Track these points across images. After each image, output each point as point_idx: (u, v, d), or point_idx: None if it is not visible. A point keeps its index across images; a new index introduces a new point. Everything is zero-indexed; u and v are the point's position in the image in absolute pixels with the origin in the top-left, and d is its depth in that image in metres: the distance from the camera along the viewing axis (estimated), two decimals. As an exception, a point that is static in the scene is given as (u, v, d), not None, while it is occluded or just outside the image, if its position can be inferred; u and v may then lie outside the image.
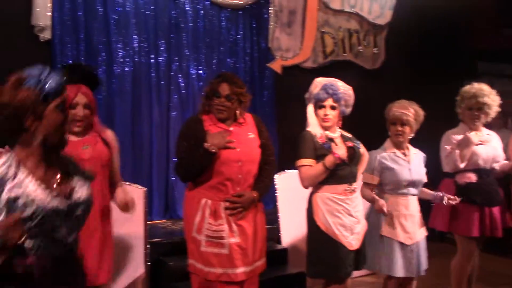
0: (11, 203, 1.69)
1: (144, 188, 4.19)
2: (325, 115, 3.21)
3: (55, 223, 1.77)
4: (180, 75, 5.36)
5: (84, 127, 2.89)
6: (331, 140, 3.23)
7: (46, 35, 4.69)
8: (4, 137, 1.75)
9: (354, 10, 6.42)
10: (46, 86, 1.73)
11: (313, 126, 3.25)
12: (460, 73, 6.32)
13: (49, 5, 4.67)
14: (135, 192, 4.13)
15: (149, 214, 4.47)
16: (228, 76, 3.07)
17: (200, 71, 5.47)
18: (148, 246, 4.13)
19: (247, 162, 2.98)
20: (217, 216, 2.93)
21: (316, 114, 3.26)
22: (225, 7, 5.64)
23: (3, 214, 1.69)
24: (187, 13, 5.41)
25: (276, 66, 5.95)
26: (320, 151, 3.18)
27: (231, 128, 3.02)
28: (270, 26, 5.92)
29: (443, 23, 6.47)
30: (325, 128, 3.23)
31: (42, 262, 1.76)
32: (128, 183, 4.20)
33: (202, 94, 3.15)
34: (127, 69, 5.07)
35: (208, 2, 5.52)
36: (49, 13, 4.68)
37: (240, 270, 2.93)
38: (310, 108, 3.30)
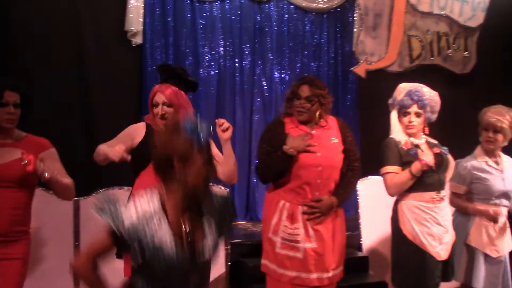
0: (149, 246, 1.73)
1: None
2: (410, 122, 3.13)
3: (180, 277, 1.82)
4: (264, 79, 5.42)
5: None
6: (416, 146, 3.14)
7: (137, 40, 4.92)
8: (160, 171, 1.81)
9: (444, 12, 6.17)
10: (200, 139, 1.78)
11: (397, 133, 3.17)
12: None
13: (141, 11, 4.89)
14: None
15: (230, 215, 4.52)
16: (309, 79, 3.03)
17: (283, 75, 5.49)
18: (229, 247, 4.21)
19: (327, 167, 2.91)
20: (294, 220, 2.89)
21: (400, 121, 3.17)
22: (310, 11, 5.62)
23: None
24: (272, 17, 5.46)
25: (360, 70, 5.84)
26: (406, 158, 3.09)
27: (313, 132, 2.95)
28: (355, 30, 5.82)
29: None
30: (410, 135, 3.14)
31: None
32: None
33: (284, 96, 3.13)
34: (212, 72, 5.21)
35: (293, 6, 5.54)
36: (141, 19, 4.89)
37: (314, 275, 2.87)
38: (394, 115, 3.23)
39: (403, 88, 3.20)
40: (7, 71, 4.27)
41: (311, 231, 2.88)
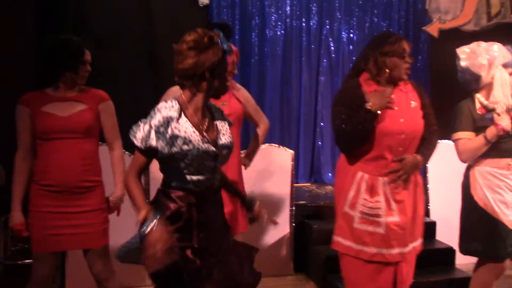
0: (174, 139, 2.04)
1: (292, 151, 4.27)
2: None
3: (205, 162, 2.11)
4: (331, 39, 5.31)
5: None
6: (492, 110, 2.99)
7: (205, 0, 4.92)
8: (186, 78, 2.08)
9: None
10: (225, 46, 2.09)
11: (499, 96, 3.01)
12: None
13: (208, -29, 4.89)
14: (283, 154, 4.25)
15: (295, 176, 4.55)
16: (399, 35, 2.79)
17: (351, 35, 5.36)
18: (294, 208, 4.24)
19: (410, 134, 2.67)
20: (374, 192, 2.66)
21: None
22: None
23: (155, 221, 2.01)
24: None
25: (433, 29, 5.58)
26: (481, 123, 2.95)
27: (393, 96, 2.70)
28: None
29: None
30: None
31: (194, 201, 2.12)
32: (276, 145, 4.35)
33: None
34: (279, 32, 5.16)
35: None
36: (208, -21, 4.89)
37: (396, 251, 2.65)
38: (500, 75, 3.03)
39: (498, 46, 3.02)
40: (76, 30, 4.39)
41: (393, 204, 2.65)
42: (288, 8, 5.18)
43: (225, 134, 2.21)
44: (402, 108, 2.68)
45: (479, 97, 3.06)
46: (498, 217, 2.91)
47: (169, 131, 2.04)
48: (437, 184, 4.39)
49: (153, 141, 2.04)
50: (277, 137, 5.03)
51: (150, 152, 2.07)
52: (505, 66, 3.02)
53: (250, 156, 3.42)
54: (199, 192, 2.14)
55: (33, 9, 4.50)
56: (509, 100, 3.00)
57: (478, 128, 2.97)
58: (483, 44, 3.10)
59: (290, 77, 5.20)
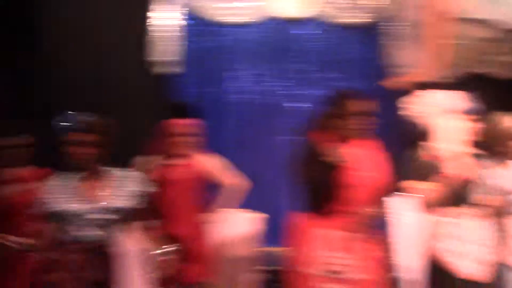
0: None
1: (260, 214, 4.20)
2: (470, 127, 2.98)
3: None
4: (292, 98, 5.29)
5: None
6: (439, 157, 2.94)
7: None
8: None
9: (488, 18, 5.84)
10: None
11: (446, 141, 3.00)
12: None
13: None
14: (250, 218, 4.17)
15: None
16: (356, 92, 2.91)
17: (315, 93, 5.32)
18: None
19: (368, 187, 2.77)
20: (334, 248, 2.74)
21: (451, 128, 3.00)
22: (346, 26, 5.44)
23: None
24: (302, 35, 5.34)
25: (400, 83, 5.58)
26: (428, 171, 2.91)
27: (353, 150, 2.81)
28: (393, 42, 5.58)
29: None
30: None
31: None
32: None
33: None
34: (239, 93, 5.20)
35: (324, 22, 5.38)
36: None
37: None
38: (446, 121, 3.03)
39: (446, 94, 3.06)
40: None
41: (354, 259, 2.67)
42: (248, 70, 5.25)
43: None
44: (360, 162, 2.73)
45: (424, 144, 3.00)
46: (448, 267, 2.83)
47: None
48: (402, 238, 4.25)
49: None
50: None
51: None
52: (466, 113, 2.98)
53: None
54: None
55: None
56: (456, 147, 2.94)
57: (425, 176, 2.90)
58: (429, 92, 3.11)
59: (250, 138, 5.19)
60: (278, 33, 5.29)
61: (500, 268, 2.97)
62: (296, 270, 2.69)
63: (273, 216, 5.14)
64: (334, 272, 2.60)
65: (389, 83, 5.56)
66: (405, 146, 3.11)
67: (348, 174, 2.65)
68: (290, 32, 5.33)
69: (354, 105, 2.76)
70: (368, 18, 5.47)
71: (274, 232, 5.15)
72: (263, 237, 4.62)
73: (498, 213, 3.05)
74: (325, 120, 2.80)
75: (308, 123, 2.95)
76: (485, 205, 3.03)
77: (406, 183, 2.95)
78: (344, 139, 2.75)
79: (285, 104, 5.32)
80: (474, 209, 2.90)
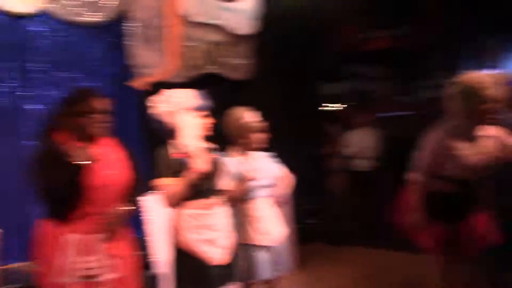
0: None
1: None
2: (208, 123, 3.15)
3: None
4: (29, 100, 4.88)
5: None
6: (185, 153, 3.05)
7: None
8: None
9: (218, 22, 6.31)
10: None
11: (190, 137, 3.11)
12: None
13: None
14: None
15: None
16: (94, 91, 2.84)
17: (52, 93, 5.00)
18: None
19: (114, 186, 2.74)
20: (87, 252, 2.63)
21: (192, 125, 3.13)
22: (80, 24, 5.23)
23: None
24: (35, 33, 4.94)
25: (140, 83, 5.63)
26: (177, 167, 3.02)
27: (96, 149, 2.75)
28: (131, 43, 5.60)
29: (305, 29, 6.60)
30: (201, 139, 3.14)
31: None
32: None
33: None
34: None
35: (58, 20, 5.07)
36: None
37: None
38: (187, 118, 3.14)
39: (184, 92, 3.17)
40: None
41: (109, 260, 2.64)
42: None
43: None
44: (105, 161, 2.69)
45: (172, 142, 3.11)
46: (201, 256, 2.96)
47: None
48: (155, 234, 4.33)
49: None
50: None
51: None
52: (198, 109, 3.11)
53: None
54: None
55: None
56: (199, 142, 3.09)
57: (176, 172, 2.99)
58: (168, 91, 3.20)
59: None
60: (9, 30, 4.78)
61: (247, 249, 3.26)
62: (50, 281, 2.55)
63: (18, 229, 4.71)
64: (90, 276, 2.55)
65: (134, 83, 5.57)
66: (155, 144, 3.16)
67: (93, 174, 2.60)
68: (26, 28, 4.88)
69: (98, 103, 2.71)
70: (99, 17, 5.33)
71: (20, 246, 4.71)
72: (5, 253, 4.17)
73: (242, 199, 3.34)
74: (66, 119, 2.70)
75: (47, 124, 2.81)
76: (229, 192, 3.30)
77: (158, 181, 3.01)
78: (86, 138, 2.69)
79: (24, 106, 4.85)
80: (221, 197, 3.12)
